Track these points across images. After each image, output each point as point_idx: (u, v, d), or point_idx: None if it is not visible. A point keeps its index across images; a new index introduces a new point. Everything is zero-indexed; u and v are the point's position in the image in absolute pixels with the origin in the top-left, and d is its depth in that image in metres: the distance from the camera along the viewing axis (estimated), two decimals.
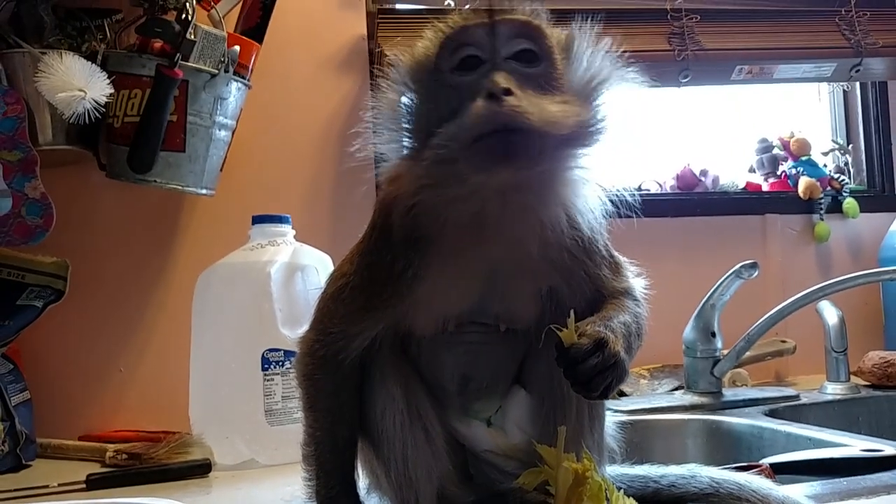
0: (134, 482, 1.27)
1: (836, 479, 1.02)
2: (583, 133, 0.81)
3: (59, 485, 1.25)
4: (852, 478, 1.02)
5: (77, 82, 1.42)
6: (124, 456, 1.38)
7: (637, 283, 0.93)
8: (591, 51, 0.85)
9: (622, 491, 0.82)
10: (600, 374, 0.78)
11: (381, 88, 0.87)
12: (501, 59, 0.81)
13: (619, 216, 0.89)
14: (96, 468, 1.37)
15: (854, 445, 1.21)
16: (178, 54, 1.49)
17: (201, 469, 1.32)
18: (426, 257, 0.85)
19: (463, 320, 0.91)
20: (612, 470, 0.99)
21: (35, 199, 1.52)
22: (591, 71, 0.84)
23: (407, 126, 0.86)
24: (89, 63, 1.47)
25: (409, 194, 0.83)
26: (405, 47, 0.88)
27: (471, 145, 0.76)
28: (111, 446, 1.42)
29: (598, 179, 0.86)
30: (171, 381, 1.55)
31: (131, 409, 1.70)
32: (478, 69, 0.81)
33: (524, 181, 0.81)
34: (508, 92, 0.75)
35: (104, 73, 1.48)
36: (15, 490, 1.23)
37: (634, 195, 0.87)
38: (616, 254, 0.94)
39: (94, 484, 1.25)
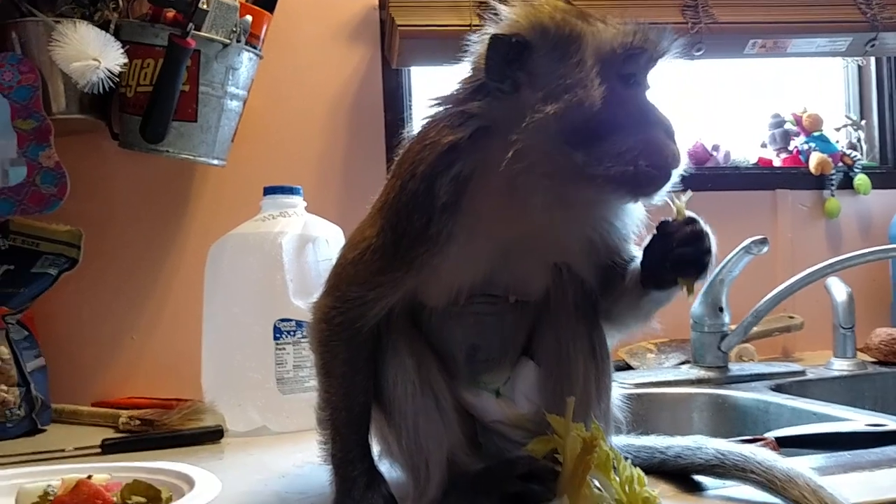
0: (148, 447, 1.29)
1: (841, 453, 1.03)
2: None
3: (75, 448, 1.27)
4: (856, 451, 1.03)
5: (91, 51, 1.43)
6: (137, 422, 1.40)
7: None
8: None
9: (629, 461, 0.83)
10: (698, 239, 0.85)
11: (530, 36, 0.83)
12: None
13: None
14: (110, 433, 1.39)
15: (859, 420, 1.22)
16: (190, 24, 1.49)
17: (214, 435, 1.34)
18: (457, 223, 0.85)
19: (474, 291, 0.92)
20: (619, 441, 1.00)
21: (49, 167, 1.53)
22: None
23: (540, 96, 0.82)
24: (103, 32, 1.47)
25: (451, 160, 0.83)
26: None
27: (642, 169, 0.80)
28: (124, 412, 1.44)
29: None
30: (184, 349, 1.57)
31: (144, 376, 1.72)
32: (634, 87, 0.84)
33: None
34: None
35: (118, 42, 1.48)
36: (32, 453, 1.26)
37: None
38: None
39: (108, 448, 1.27)
